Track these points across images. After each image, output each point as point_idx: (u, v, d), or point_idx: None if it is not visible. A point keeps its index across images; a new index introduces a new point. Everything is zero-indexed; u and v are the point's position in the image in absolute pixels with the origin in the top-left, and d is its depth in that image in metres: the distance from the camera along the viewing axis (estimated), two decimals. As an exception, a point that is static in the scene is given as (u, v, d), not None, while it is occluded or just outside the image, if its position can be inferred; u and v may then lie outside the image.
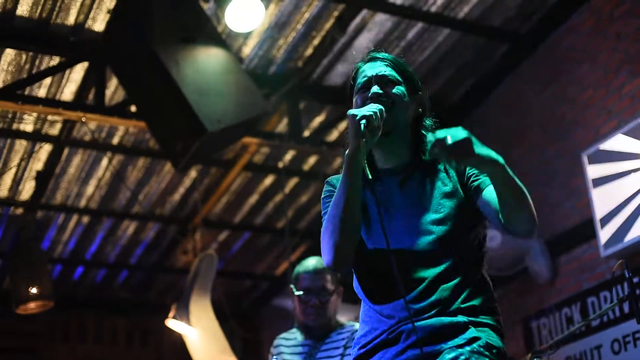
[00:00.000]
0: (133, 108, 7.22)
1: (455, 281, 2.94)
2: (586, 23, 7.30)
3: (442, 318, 2.88)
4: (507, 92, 8.06)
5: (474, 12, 7.41)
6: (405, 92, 3.14)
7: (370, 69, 3.17)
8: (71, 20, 6.92)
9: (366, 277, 3.10)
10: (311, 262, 4.99)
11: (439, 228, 2.98)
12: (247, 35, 7.35)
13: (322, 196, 3.22)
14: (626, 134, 6.54)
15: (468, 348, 2.82)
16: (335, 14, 7.24)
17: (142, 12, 6.35)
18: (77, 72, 7.40)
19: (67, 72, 7.36)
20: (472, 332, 2.87)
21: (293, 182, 9.57)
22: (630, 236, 6.39)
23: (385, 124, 2.98)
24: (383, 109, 2.97)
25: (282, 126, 8.44)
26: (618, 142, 6.62)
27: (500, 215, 2.87)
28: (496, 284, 8.55)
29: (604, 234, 6.64)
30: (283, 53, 7.69)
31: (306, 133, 8.48)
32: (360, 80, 3.16)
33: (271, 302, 11.96)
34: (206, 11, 6.67)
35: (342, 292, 4.98)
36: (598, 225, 6.70)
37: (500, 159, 2.75)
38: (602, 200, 6.72)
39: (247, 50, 7.59)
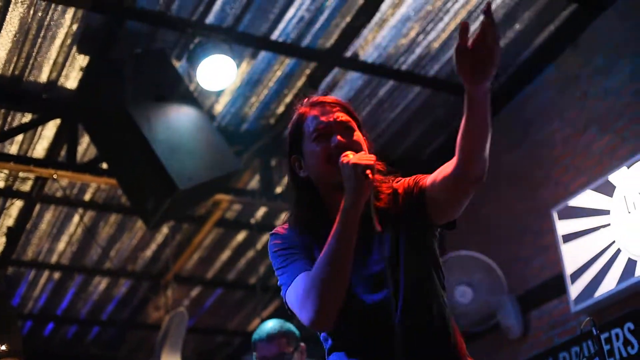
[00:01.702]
0: (104, 165, 7.23)
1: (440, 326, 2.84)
2: (553, 82, 7.40)
3: None
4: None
5: (444, 70, 7.49)
6: (362, 138, 2.96)
7: (324, 114, 2.97)
8: (44, 77, 6.94)
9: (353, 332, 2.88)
10: (264, 329, 4.79)
11: (409, 274, 2.82)
12: (219, 93, 7.39)
13: (273, 250, 2.95)
14: (595, 190, 6.61)
15: None
16: (307, 72, 7.31)
17: (114, 70, 6.40)
18: (49, 129, 7.41)
19: (39, 129, 7.36)
20: None
21: (265, 238, 9.51)
22: (600, 291, 6.43)
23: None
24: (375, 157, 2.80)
25: (254, 183, 8.46)
26: (587, 198, 6.68)
27: (454, 165, 2.71)
28: (468, 339, 8.52)
29: (574, 290, 6.67)
30: (255, 110, 7.73)
31: (278, 190, 8.49)
32: (315, 126, 2.95)
33: (243, 358, 11.88)
34: (178, 69, 6.71)
35: (305, 348, 4.87)
36: (568, 280, 6.74)
37: None
38: (572, 256, 6.76)
39: (219, 107, 7.63)
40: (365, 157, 2.74)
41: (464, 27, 2.50)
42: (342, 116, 2.96)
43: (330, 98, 3.05)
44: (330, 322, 2.77)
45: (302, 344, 4.82)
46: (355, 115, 3.03)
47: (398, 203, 2.91)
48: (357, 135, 2.94)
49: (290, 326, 4.84)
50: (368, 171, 2.69)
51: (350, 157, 2.77)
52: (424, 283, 2.85)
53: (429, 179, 2.86)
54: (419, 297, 2.81)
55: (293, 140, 3.02)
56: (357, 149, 2.88)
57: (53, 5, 6.24)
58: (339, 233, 2.72)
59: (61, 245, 9.22)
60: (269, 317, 10.24)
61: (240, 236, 9.53)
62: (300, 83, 7.42)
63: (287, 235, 2.98)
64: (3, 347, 7.81)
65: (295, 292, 2.80)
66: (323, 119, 2.94)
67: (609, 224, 6.46)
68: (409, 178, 2.97)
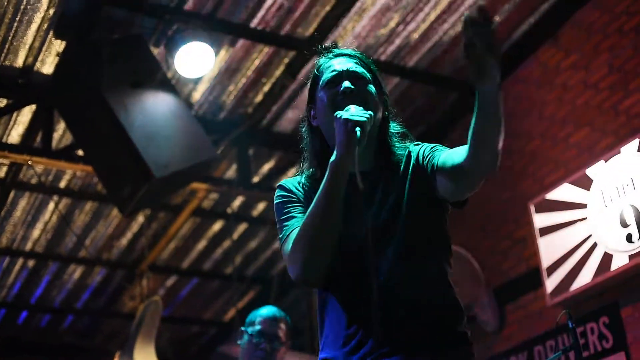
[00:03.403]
0: (80, 152, 7.17)
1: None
2: (533, 74, 7.40)
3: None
4: (456, 140, 8.08)
5: (424, 61, 7.48)
6: (373, 91, 2.94)
7: (340, 64, 2.98)
8: (20, 62, 6.87)
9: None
10: (269, 309, 5.02)
11: (408, 239, 2.80)
12: (197, 81, 7.34)
13: (277, 201, 2.98)
14: (572, 183, 6.61)
15: None
16: (286, 61, 7.27)
17: (91, 56, 6.33)
18: (25, 115, 7.34)
19: (15, 114, 7.29)
20: None
21: (242, 228, 9.54)
22: (576, 285, 6.43)
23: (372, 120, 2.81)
24: (373, 114, 2.79)
25: (232, 172, 8.42)
26: (564, 191, 6.68)
27: (465, 155, 2.71)
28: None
29: (550, 283, 6.67)
30: (233, 99, 7.69)
31: (255, 179, 8.47)
32: (328, 74, 2.96)
33: (219, 348, 11.85)
34: (156, 56, 6.66)
35: (290, 344, 4.98)
36: (544, 274, 6.74)
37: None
38: (548, 249, 6.76)
39: (197, 95, 7.58)
40: (360, 113, 2.73)
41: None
42: (357, 67, 2.97)
43: (349, 50, 3.06)
44: (316, 277, 2.79)
45: (290, 341, 4.98)
46: (374, 71, 3.03)
47: (408, 167, 2.92)
48: (366, 87, 2.93)
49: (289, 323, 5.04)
50: (358, 128, 2.67)
51: (348, 110, 2.77)
52: (417, 251, 2.81)
53: (441, 157, 2.84)
54: (407, 265, 2.78)
55: (310, 89, 3.04)
56: (364, 98, 2.88)
57: (29, -11, 6.18)
58: (325, 187, 2.72)
59: (36, 233, 9.16)
60: (245, 307, 10.24)
61: (217, 226, 9.50)
62: (278, 72, 7.38)
63: (291, 188, 3.00)
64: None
65: (286, 248, 2.81)
66: (337, 67, 2.96)
67: (585, 218, 6.47)
68: (427, 146, 2.97)
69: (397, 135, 3.03)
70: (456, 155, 2.78)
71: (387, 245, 2.79)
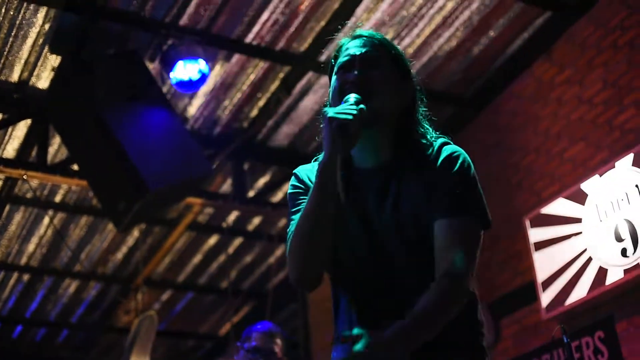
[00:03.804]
0: (76, 166, 7.17)
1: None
2: (528, 88, 7.41)
3: None
4: (451, 155, 8.09)
5: (418, 76, 7.45)
6: (390, 78, 2.75)
7: (355, 47, 2.77)
8: (15, 77, 6.87)
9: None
10: (265, 325, 5.00)
11: (420, 239, 2.63)
12: (192, 96, 7.35)
13: (289, 191, 2.83)
14: (568, 198, 6.61)
15: None
16: (281, 75, 7.28)
17: (86, 71, 6.34)
18: (20, 129, 7.35)
19: (10, 129, 7.29)
20: None
21: (237, 242, 9.54)
22: (571, 299, 6.43)
23: (364, 115, 2.57)
24: (365, 108, 2.56)
25: (227, 186, 8.42)
26: (560, 206, 6.68)
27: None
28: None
29: (546, 297, 6.67)
30: (228, 114, 7.70)
31: (251, 193, 8.46)
32: (343, 58, 2.77)
33: (215, 361, 11.87)
34: (151, 71, 6.66)
35: None
36: (540, 288, 6.74)
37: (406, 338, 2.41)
38: (543, 263, 6.76)
39: (193, 110, 7.59)
40: (347, 110, 2.54)
41: None
42: (371, 51, 2.77)
43: (368, 32, 2.85)
44: (313, 281, 2.66)
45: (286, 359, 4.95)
46: (395, 54, 2.82)
47: (430, 169, 2.69)
48: (380, 74, 2.73)
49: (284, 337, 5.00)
50: (343, 127, 2.49)
51: (347, 100, 2.61)
52: (428, 253, 2.61)
53: (438, 225, 2.62)
54: (417, 266, 2.61)
55: (330, 73, 2.86)
56: (371, 87, 2.67)
57: (25, 4, 6.18)
58: (314, 188, 2.58)
59: (31, 247, 9.15)
60: (240, 321, 10.22)
61: (212, 240, 9.49)
62: (273, 87, 7.39)
63: (303, 177, 2.83)
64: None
65: (287, 248, 2.69)
66: (351, 51, 2.77)
67: (580, 232, 6.47)
68: (450, 169, 2.69)
69: (423, 126, 2.84)
70: (438, 254, 2.59)
71: (398, 244, 2.63)
